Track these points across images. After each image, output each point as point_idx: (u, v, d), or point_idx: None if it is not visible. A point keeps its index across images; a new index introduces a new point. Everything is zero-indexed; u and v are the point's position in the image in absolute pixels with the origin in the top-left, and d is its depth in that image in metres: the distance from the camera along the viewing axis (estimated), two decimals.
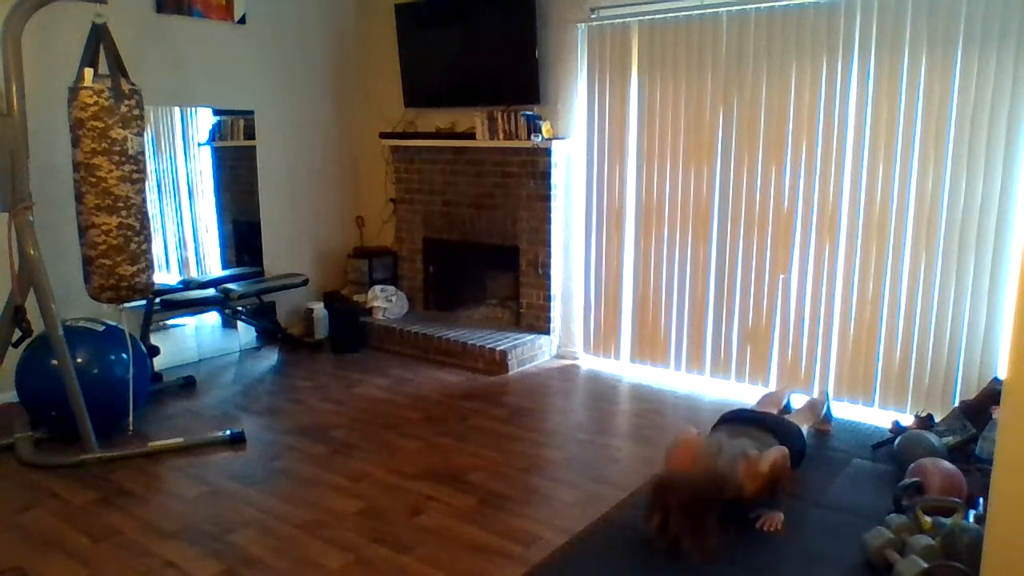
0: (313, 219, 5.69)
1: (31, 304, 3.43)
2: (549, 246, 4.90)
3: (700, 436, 3.00)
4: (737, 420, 3.18)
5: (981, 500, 2.76)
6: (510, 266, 5.18)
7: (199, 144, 4.93)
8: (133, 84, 3.41)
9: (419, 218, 5.53)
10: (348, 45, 5.76)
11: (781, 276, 4.17)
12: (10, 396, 3.94)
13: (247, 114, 5.15)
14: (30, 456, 3.42)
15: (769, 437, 3.00)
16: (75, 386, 3.38)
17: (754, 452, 2.83)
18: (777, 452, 2.80)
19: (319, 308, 5.43)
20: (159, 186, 4.74)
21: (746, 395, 4.24)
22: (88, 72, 3.29)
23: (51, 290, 3.40)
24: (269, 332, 5.31)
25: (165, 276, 4.82)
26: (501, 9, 4.80)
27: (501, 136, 4.87)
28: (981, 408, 3.34)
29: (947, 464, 2.88)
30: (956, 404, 3.58)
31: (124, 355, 3.64)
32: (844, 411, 3.95)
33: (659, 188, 4.51)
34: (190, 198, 4.93)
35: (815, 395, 3.92)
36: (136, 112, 3.39)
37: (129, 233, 3.44)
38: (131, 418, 3.70)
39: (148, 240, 3.54)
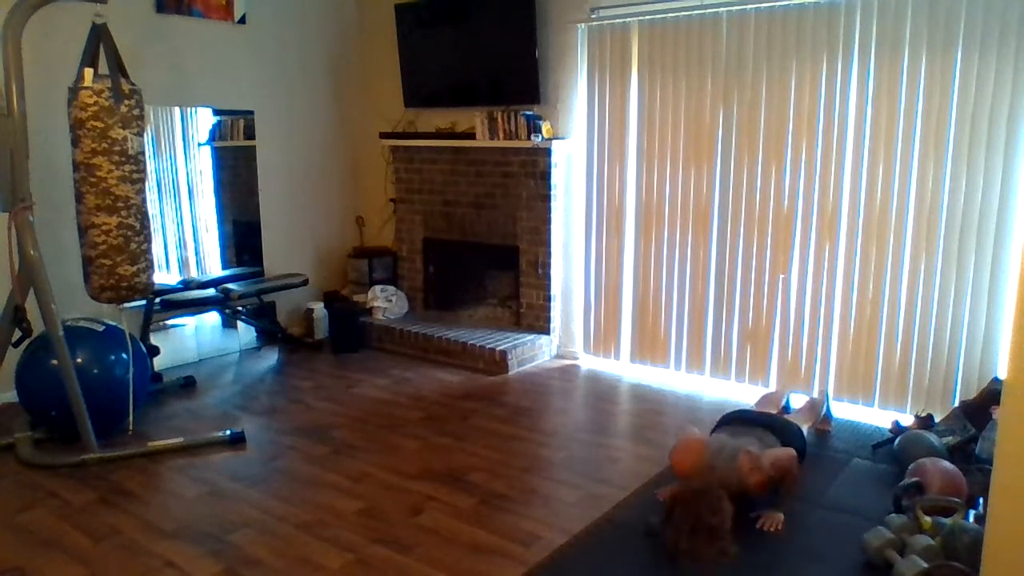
0: (313, 219, 5.69)
1: (31, 304, 3.42)
2: (549, 246, 4.90)
3: (703, 436, 3.01)
4: (738, 421, 3.19)
5: (981, 500, 2.76)
6: (510, 266, 5.18)
7: (199, 144, 4.93)
8: (133, 84, 3.41)
9: (419, 218, 5.53)
10: (348, 45, 5.77)
11: (781, 276, 4.17)
12: (10, 396, 3.95)
13: (247, 114, 5.15)
14: (30, 456, 3.42)
15: (770, 436, 3.01)
16: (75, 386, 3.38)
17: (754, 447, 2.84)
18: (784, 451, 2.81)
19: (319, 308, 5.43)
20: (159, 186, 4.74)
21: (746, 395, 4.24)
22: (88, 72, 3.29)
23: (51, 290, 3.40)
24: (269, 332, 5.31)
25: (165, 276, 4.82)
26: (501, 9, 4.80)
27: (501, 136, 4.87)
28: (981, 408, 3.34)
29: (947, 464, 2.88)
30: (956, 404, 3.58)
31: (124, 355, 3.64)
32: (844, 411, 3.95)
33: (659, 188, 4.51)
34: (190, 198, 4.93)
35: (815, 395, 3.93)
36: (136, 112, 3.39)
37: (129, 233, 3.43)
38: (131, 418, 3.70)
39: (148, 240, 3.54)
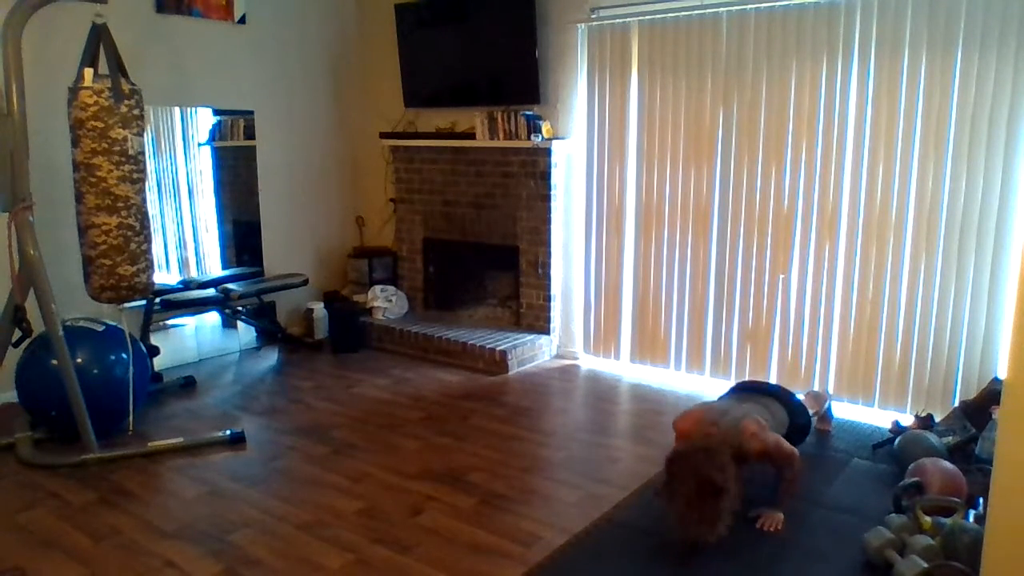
0: (313, 219, 5.69)
1: (31, 304, 3.43)
2: (549, 246, 4.90)
3: (707, 403, 3.05)
4: (746, 389, 3.24)
5: (981, 500, 2.76)
6: (510, 266, 5.18)
7: (199, 144, 4.93)
8: (133, 84, 3.41)
9: (419, 218, 5.53)
10: (348, 45, 5.77)
11: (781, 276, 4.17)
12: (10, 396, 3.95)
13: (247, 114, 5.15)
14: (30, 456, 3.42)
15: (776, 405, 3.06)
16: (75, 386, 3.38)
17: (761, 415, 2.88)
18: (790, 446, 2.81)
19: (319, 308, 5.43)
20: (159, 186, 4.74)
21: None
22: (88, 72, 3.29)
23: (51, 290, 3.40)
24: (269, 332, 5.31)
25: (165, 276, 4.82)
26: (501, 9, 4.80)
27: (501, 136, 4.87)
28: (981, 408, 3.34)
29: (947, 464, 2.88)
30: (956, 404, 3.58)
31: (124, 355, 3.64)
32: (844, 411, 3.95)
33: (659, 188, 4.51)
34: (190, 198, 4.93)
35: (816, 388, 3.94)
36: (136, 112, 3.39)
37: (129, 233, 3.44)
38: (131, 418, 3.70)
39: (148, 240, 3.54)
